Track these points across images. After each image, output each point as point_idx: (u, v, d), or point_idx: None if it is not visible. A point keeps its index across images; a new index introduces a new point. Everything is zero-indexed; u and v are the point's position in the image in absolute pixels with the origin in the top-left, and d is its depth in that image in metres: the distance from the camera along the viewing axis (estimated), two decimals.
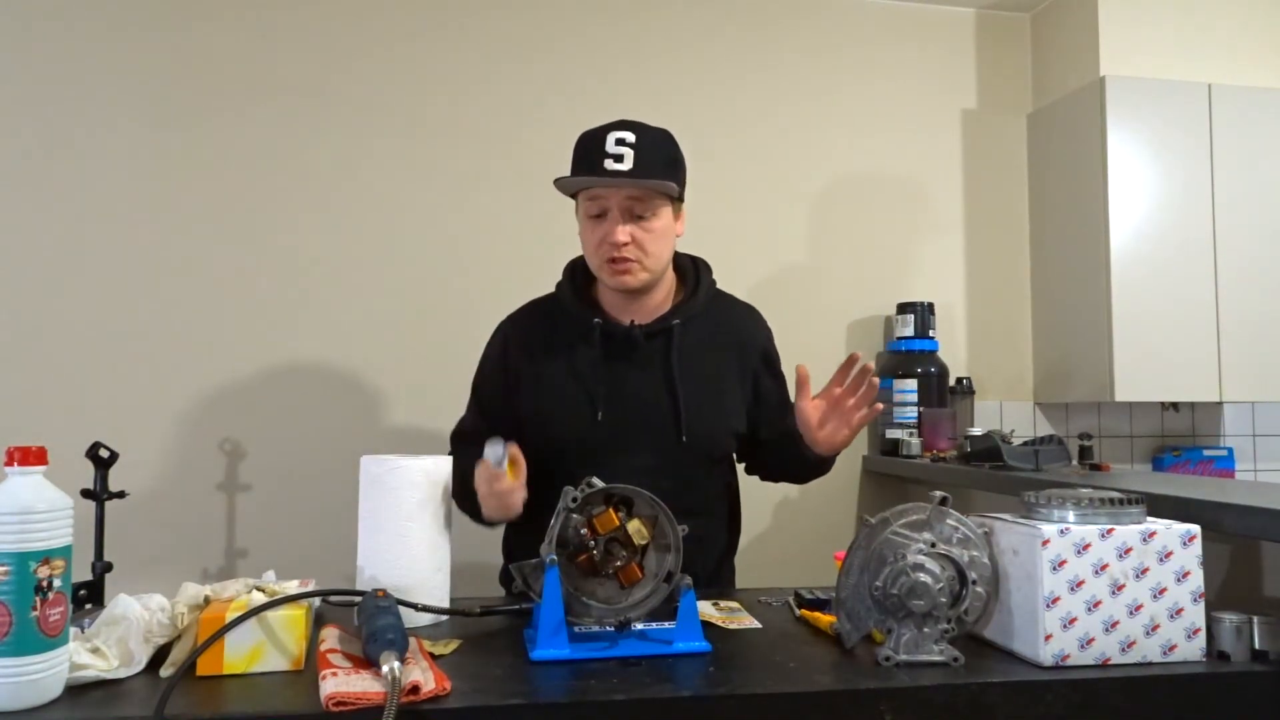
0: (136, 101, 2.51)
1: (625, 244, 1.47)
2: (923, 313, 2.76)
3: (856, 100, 2.93)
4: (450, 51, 2.68)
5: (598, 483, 1.15)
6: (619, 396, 1.54)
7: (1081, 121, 2.76)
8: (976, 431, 2.50)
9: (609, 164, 1.46)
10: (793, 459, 1.58)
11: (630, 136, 1.47)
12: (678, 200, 1.55)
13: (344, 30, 2.63)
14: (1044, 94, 2.99)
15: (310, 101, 2.60)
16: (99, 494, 1.40)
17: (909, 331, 2.76)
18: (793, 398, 1.55)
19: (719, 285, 1.67)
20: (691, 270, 1.64)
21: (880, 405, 1.48)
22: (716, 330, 1.61)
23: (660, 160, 1.50)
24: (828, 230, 2.88)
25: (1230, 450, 3.00)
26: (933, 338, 2.76)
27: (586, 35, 2.77)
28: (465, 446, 1.58)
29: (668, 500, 1.17)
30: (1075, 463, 2.40)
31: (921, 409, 2.68)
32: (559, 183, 1.51)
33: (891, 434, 2.72)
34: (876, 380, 1.43)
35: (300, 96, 2.59)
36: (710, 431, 1.58)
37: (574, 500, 1.13)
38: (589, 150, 1.49)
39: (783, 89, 2.88)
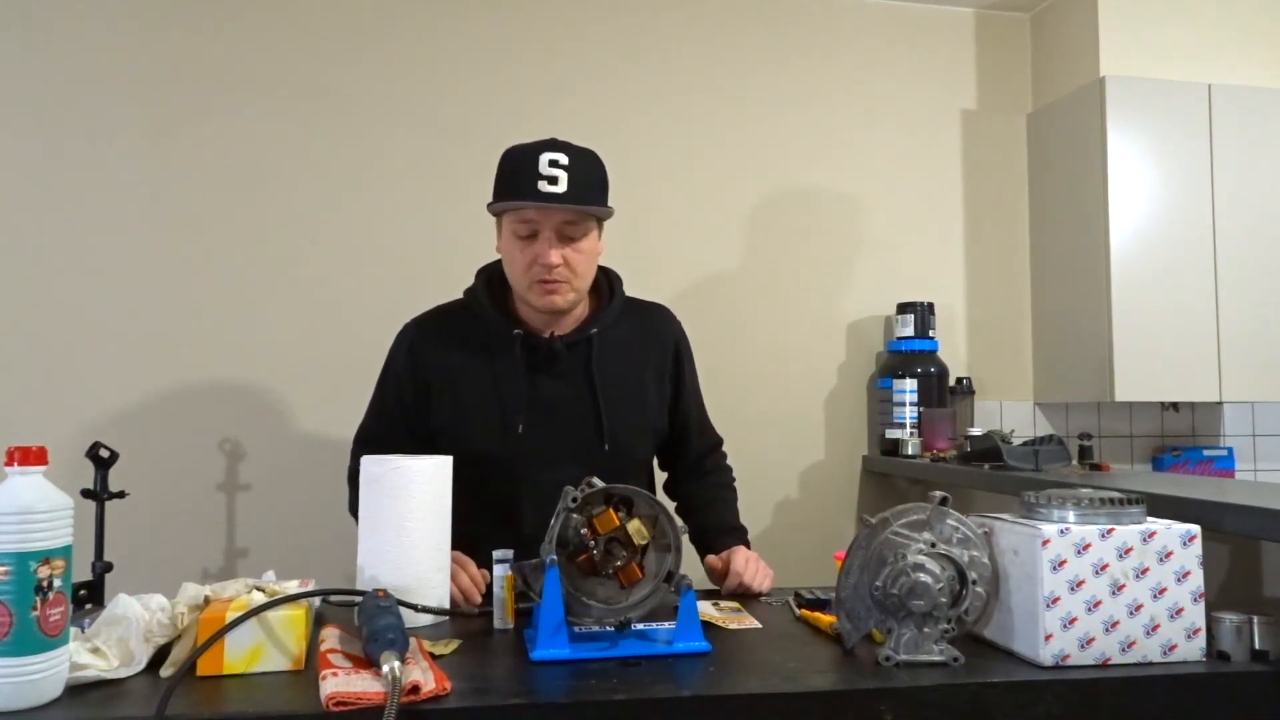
0: (135, 102, 2.50)
1: (558, 266, 1.47)
2: (923, 313, 2.76)
3: (856, 100, 2.93)
4: (450, 52, 2.68)
5: (598, 483, 1.15)
6: (540, 409, 1.54)
7: (1081, 121, 2.75)
8: (976, 431, 2.50)
9: (543, 186, 1.44)
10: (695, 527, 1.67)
11: (563, 158, 1.46)
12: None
13: (343, 32, 2.62)
14: (1044, 94, 2.99)
15: (311, 102, 2.59)
16: (99, 494, 1.40)
17: (909, 331, 2.76)
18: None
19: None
20: (604, 281, 1.65)
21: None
22: (632, 333, 1.63)
23: (594, 183, 1.50)
24: (828, 230, 2.88)
25: (1230, 450, 3.00)
26: (933, 338, 2.76)
27: (587, 36, 2.77)
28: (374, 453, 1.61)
29: None
30: (1075, 463, 2.40)
31: (921, 409, 2.67)
32: (493, 207, 1.52)
33: (891, 434, 2.71)
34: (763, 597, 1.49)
35: (300, 97, 2.59)
36: (632, 437, 1.60)
37: (574, 500, 1.13)
38: (520, 170, 1.47)
39: (783, 89, 2.88)
